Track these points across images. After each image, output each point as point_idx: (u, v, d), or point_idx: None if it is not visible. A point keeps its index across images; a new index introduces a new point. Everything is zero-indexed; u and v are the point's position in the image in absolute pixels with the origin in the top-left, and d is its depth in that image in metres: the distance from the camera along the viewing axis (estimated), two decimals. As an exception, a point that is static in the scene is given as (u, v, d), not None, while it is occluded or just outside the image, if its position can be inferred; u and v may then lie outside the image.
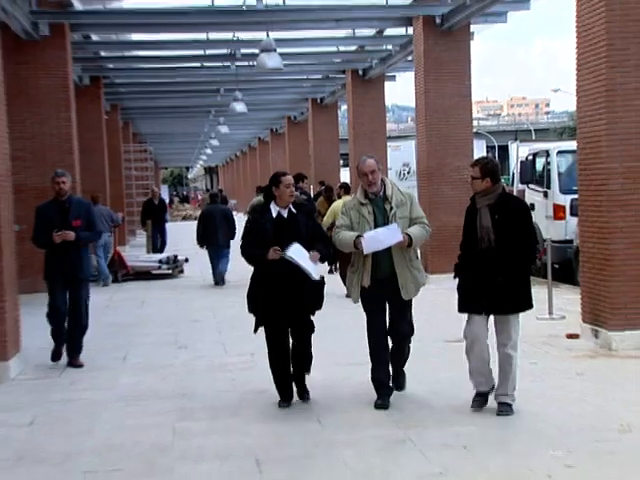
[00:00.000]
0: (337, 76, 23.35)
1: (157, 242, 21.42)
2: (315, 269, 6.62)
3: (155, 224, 21.34)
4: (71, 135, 14.60)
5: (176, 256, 17.92)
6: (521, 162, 17.04)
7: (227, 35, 18.25)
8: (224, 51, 19.76)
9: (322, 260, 6.78)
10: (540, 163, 16.09)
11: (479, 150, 24.43)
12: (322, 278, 6.76)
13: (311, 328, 6.85)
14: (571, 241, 13.76)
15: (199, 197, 64.40)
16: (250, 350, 8.59)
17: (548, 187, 15.36)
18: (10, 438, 6.34)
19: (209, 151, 48.92)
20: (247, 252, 6.77)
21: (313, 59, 21.63)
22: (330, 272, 14.56)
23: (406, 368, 7.07)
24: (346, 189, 14.00)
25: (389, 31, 18.24)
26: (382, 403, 6.69)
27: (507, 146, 25.15)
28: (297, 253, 6.52)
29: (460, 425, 6.15)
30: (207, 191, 65.49)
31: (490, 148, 50.56)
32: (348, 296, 6.94)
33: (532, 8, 15.13)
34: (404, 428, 6.14)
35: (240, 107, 21.38)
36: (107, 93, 23.07)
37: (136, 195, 28.67)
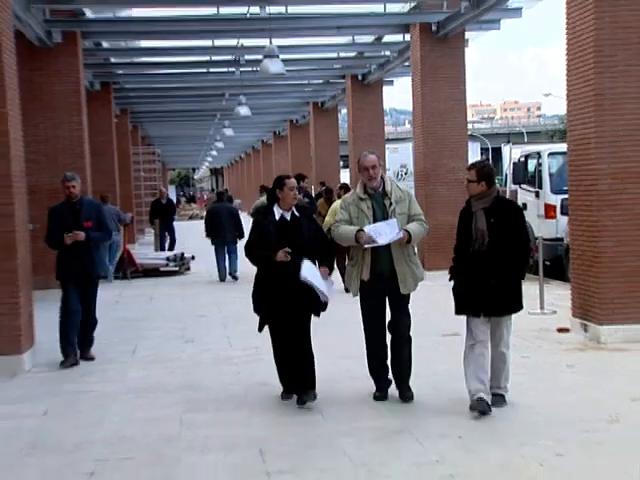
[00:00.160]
0: (337, 81, 23.34)
1: (164, 241, 21.37)
2: (326, 286, 6.49)
3: (163, 223, 21.31)
4: (83, 138, 14.61)
5: (183, 254, 17.92)
6: (514, 163, 17.05)
7: (232, 42, 18.29)
8: (229, 57, 19.80)
9: (330, 272, 6.65)
10: (532, 164, 16.08)
11: (473, 152, 24.41)
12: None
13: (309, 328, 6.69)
14: (562, 239, 13.75)
15: (205, 197, 64.34)
16: (254, 344, 8.57)
17: (540, 187, 15.35)
18: (24, 428, 6.35)
19: (214, 153, 48.87)
20: (252, 253, 6.68)
21: (314, 65, 21.67)
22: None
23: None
24: (346, 189, 13.99)
25: (387, 38, 18.22)
26: (380, 395, 6.68)
27: (500, 148, 25.15)
28: (310, 272, 6.38)
29: (456, 416, 6.13)
30: (212, 191, 65.50)
31: (484, 150, 50.59)
32: (347, 291, 6.87)
33: (524, 16, 15.21)
34: (402, 419, 6.13)
35: (244, 111, 21.37)
36: (117, 98, 23.07)
37: (144, 195, 28.64)
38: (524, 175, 16.21)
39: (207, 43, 18.02)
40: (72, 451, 5.73)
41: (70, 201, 8.57)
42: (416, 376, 6.75)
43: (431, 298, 10.48)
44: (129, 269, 16.51)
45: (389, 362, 6.71)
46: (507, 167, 18.59)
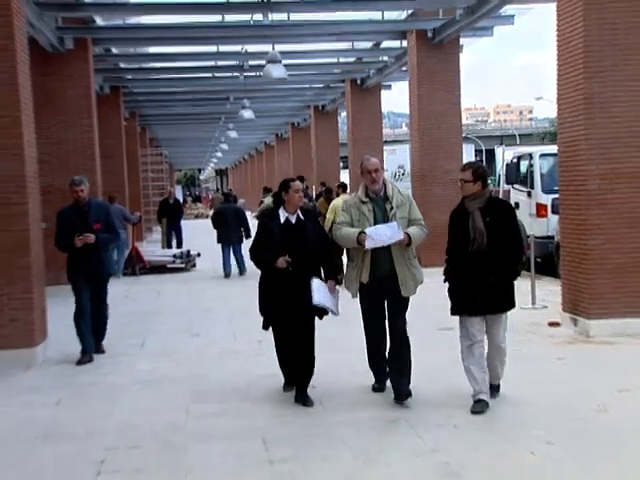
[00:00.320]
0: (337, 85, 23.34)
1: (171, 239, 21.32)
2: (335, 302, 6.45)
3: (170, 222, 21.26)
4: (93, 141, 14.63)
5: (189, 251, 17.93)
6: (507, 164, 17.06)
7: (236, 48, 18.33)
8: (233, 62, 19.84)
9: (338, 283, 6.54)
10: (524, 165, 16.07)
11: (468, 154, 24.42)
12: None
13: (313, 328, 6.62)
14: (552, 237, 13.77)
15: (210, 197, 64.25)
16: (258, 338, 8.55)
17: (531, 187, 15.34)
18: (38, 417, 6.37)
19: (219, 154, 48.89)
20: (256, 257, 6.59)
21: (315, 70, 21.67)
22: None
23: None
24: (344, 188, 14.20)
25: (385, 44, 18.24)
26: (379, 387, 6.69)
27: (494, 150, 25.15)
28: (321, 295, 6.28)
29: (451, 406, 6.15)
30: (217, 191, 65.47)
31: (478, 152, 50.59)
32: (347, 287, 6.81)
33: (516, 24, 15.26)
34: (399, 410, 6.14)
35: (248, 114, 21.40)
36: (126, 101, 23.07)
37: (152, 195, 28.61)
38: (516, 176, 16.20)
39: (212, 49, 18.06)
40: (84, 440, 5.75)
41: (78, 204, 8.47)
42: (412, 368, 6.73)
43: (426, 293, 10.45)
44: (137, 266, 16.52)
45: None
46: (500, 168, 18.59)
